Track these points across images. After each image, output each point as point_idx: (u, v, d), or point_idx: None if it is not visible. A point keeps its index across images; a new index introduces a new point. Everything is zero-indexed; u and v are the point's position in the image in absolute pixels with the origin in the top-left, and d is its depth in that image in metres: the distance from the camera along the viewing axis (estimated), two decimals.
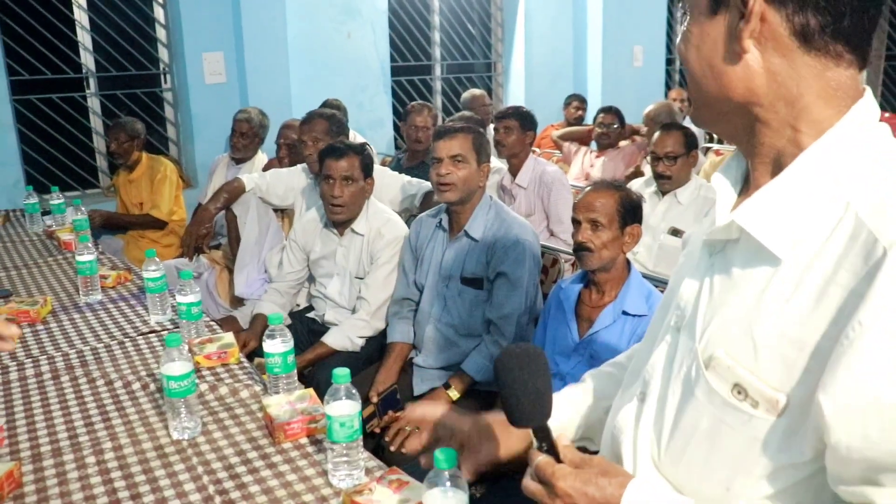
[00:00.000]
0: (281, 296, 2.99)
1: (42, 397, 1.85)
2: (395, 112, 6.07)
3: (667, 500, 0.89)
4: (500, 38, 7.02)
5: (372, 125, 5.84)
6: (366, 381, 2.51)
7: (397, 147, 5.95)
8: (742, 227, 0.84)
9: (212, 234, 3.25)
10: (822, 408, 0.73)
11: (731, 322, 0.85)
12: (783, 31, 0.80)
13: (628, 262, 2.16)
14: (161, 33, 5.13)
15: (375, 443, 2.36)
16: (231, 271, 3.42)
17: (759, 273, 0.83)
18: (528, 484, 0.95)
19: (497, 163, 4.21)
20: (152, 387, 1.88)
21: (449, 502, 1.08)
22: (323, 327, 2.85)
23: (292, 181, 3.36)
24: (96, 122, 5.02)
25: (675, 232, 3.19)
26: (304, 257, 2.99)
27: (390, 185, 3.30)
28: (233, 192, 3.26)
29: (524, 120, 4.04)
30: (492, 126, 4.38)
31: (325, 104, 4.72)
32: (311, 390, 1.72)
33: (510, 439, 1.20)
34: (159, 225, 4.31)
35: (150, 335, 2.25)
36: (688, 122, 4.15)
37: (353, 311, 2.79)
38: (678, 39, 0.92)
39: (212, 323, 2.37)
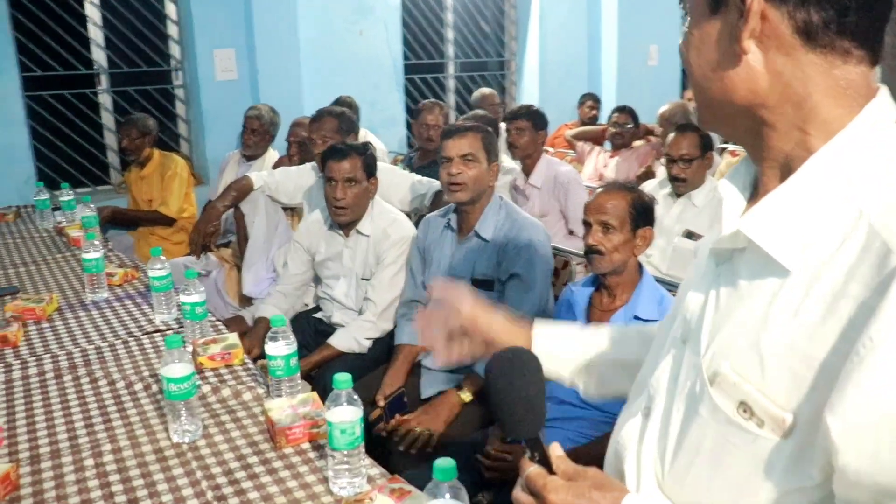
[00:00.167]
0: (285, 298, 2.96)
1: (44, 397, 1.83)
2: (408, 110, 6.03)
3: None
4: (513, 36, 6.97)
5: (384, 123, 5.81)
6: (373, 384, 2.48)
7: (410, 145, 5.91)
8: (748, 236, 0.80)
9: (219, 232, 3.22)
10: (829, 428, 0.69)
11: (737, 336, 0.80)
12: (785, 28, 0.76)
13: (640, 266, 2.11)
14: (172, 30, 5.11)
15: (382, 446, 2.32)
16: (240, 269, 3.40)
17: (767, 284, 0.79)
18: (519, 496, 0.91)
19: (509, 163, 4.18)
20: (154, 388, 1.85)
21: None
22: (330, 328, 2.82)
23: (301, 179, 3.33)
24: (108, 119, 5.01)
25: (690, 234, 3.14)
26: (308, 259, 2.95)
27: (400, 184, 3.26)
28: (241, 190, 3.23)
29: (536, 119, 4.00)
30: (503, 125, 4.35)
31: (338, 101, 4.69)
32: (313, 394, 1.69)
33: (508, 338, 1.22)
34: (168, 222, 4.29)
35: (154, 334, 2.23)
36: None
37: (360, 312, 2.76)
38: (680, 42, 0.88)
39: (217, 323, 2.34)
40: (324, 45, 5.48)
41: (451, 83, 6.68)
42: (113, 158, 5.09)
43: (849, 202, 0.74)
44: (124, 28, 4.93)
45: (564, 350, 1.25)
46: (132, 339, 2.19)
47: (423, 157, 4.29)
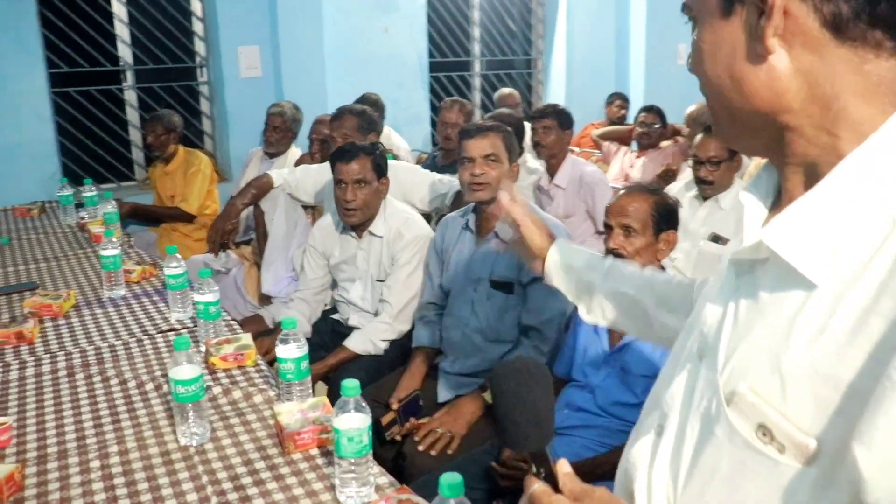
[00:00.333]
0: (307, 304, 2.93)
1: (55, 395, 1.82)
2: (433, 108, 6.00)
3: None
4: (540, 34, 6.90)
5: (408, 122, 5.78)
6: (389, 386, 2.45)
7: (434, 144, 5.88)
8: (771, 248, 0.74)
9: (237, 229, 3.21)
10: (857, 459, 0.63)
11: (757, 353, 0.74)
12: (812, 22, 0.70)
13: (664, 270, 2.05)
14: (198, 27, 5.12)
15: (396, 450, 2.29)
16: (260, 268, 3.39)
17: (790, 298, 0.73)
18: None
19: (533, 163, 4.12)
20: (165, 388, 1.83)
21: None
22: (348, 329, 2.79)
23: (322, 178, 3.30)
24: (133, 115, 5.03)
25: (716, 238, 3.06)
26: (324, 262, 2.92)
27: (420, 183, 3.22)
28: (261, 187, 3.21)
29: (562, 118, 3.94)
30: (527, 125, 4.29)
31: (363, 98, 4.67)
32: (324, 398, 1.65)
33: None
34: (188, 218, 4.29)
35: (168, 333, 2.21)
36: None
37: (377, 314, 2.73)
38: (688, 56, 0.82)
39: (232, 322, 2.32)
40: (348, 42, 5.46)
41: (476, 81, 6.62)
42: (137, 155, 5.11)
43: (881, 211, 0.68)
44: (150, 25, 4.95)
45: (573, 264, 1.38)
46: (146, 337, 2.18)
47: (446, 157, 4.24)
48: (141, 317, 2.35)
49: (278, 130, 4.21)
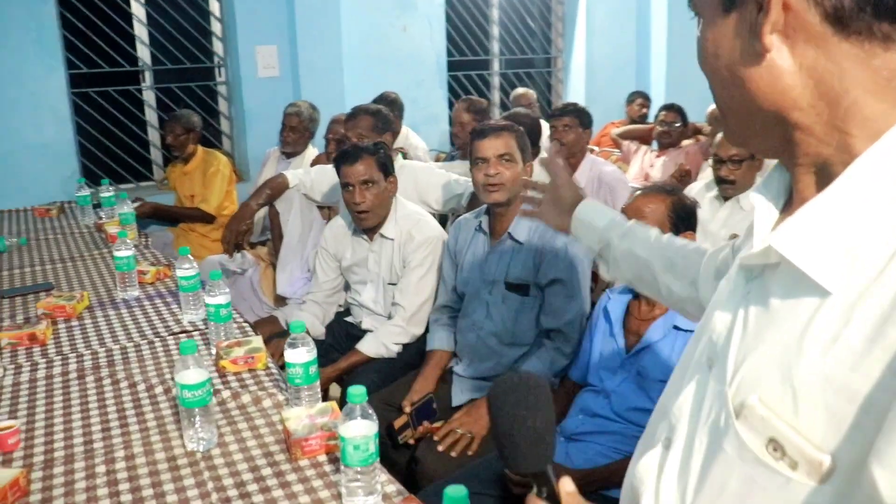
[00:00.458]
0: (320, 307, 2.90)
1: (65, 398, 1.81)
2: (452, 108, 5.95)
3: None
4: (560, 32, 6.84)
5: (427, 121, 5.75)
6: (402, 389, 2.41)
7: (452, 143, 5.84)
8: (781, 253, 0.70)
9: (252, 230, 3.19)
10: (876, 481, 0.58)
11: (767, 363, 0.70)
12: (812, 17, 0.66)
13: None
14: (216, 26, 5.13)
15: (409, 455, 2.25)
16: (276, 268, 3.37)
17: (802, 305, 0.68)
18: None
19: None
20: (175, 391, 1.81)
21: None
22: (361, 331, 2.76)
23: (337, 178, 3.28)
24: (151, 115, 5.05)
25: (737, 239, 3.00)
26: (336, 265, 2.89)
27: (436, 183, 3.19)
28: (276, 188, 3.20)
29: (582, 117, 3.90)
30: (543, 124, 4.25)
31: (382, 97, 4.65)
32: (332, 403, 1.62)
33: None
34: (208, 219, 4.29)
35: (180, 335, 2.20)
36: None
37: (390, 317, 2.69)
38: (697, 53, 0.78)
39: (245, 324, 2.30)
40: (366, 41, 5.44)
41: (495, 80, 6.58)
42: (156, 155, 5.13)
43: None
44: (168, 25, 4.96)
45: (596, 223, 1.43)
46: (158, 339, 2.16)
47: (464, 157, 4.21)
48: (154, 318, 2.34)
49: (295, 130, 4.20)
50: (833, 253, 0.66)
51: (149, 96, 5.03)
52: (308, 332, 2.74)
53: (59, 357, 2.05)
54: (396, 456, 2.28)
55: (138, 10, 4.88)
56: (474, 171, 2.36)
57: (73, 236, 3.49)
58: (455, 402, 2.38)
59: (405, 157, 4.21)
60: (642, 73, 6.95)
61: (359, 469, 1.30)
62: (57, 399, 1.80)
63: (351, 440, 1.28)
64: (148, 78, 5.00)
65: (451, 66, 6.14)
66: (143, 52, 4.95)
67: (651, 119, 5.88)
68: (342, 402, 1.45)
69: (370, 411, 1.31)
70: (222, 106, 5.27)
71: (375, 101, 4.50)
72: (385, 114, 3.25)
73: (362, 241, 2.79)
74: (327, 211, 3.40)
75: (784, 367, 0.68)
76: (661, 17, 6.73)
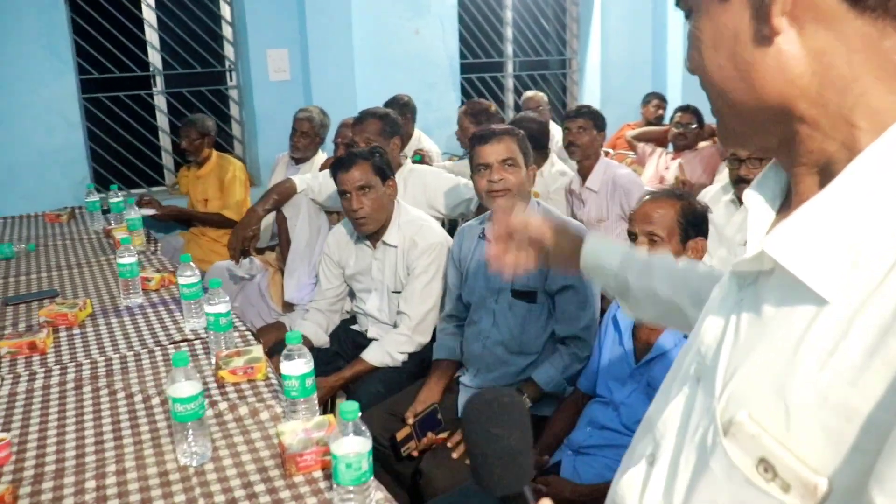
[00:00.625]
0: (324, 315, 2.86)
1: (60, 409, 1.78)
2: None
3: None
4: (575, 33, 6.77)
5: (440, 124, 5.70)
6: (408, 399, 2.36)
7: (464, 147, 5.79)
8: (775, 259, 0.64)
9: (258, 236, 3.15)
10: None
11: (759, 377, 0.65)
12: None
13: None
14: (227, 31, 5.11)
15: (414, 467, 2.20)
16: (284, 274, 3.34)
17: (797, 315, 0.63)
18: None
19: (560, 165, 4.02)
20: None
21: None
22: (368, 340, 2.71)
23: None
24: (162, 120, 5.04)
25: None
26: (340, 273, 2.85)
27: (444, 188, 3.14)
28: (283, 193, 3.16)
29: (597, 119, 3.82)
30: (553, 127, 4.19)
31: (394, 99, 4.61)
32: (329, 417, 1.57)
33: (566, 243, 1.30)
34: (229, 225, 4.26)
35: (181, 344, 2.16)
36: None
37: (396, 325, 2.64)
38: (687, 51, 0.73)
39: (247, 332, 2.26)
40: (378, 44, 5.41)
41: (509, 82, 6.52)
42: (167, 160, 5.11)
43: None
44: (180, 29, 4.95)
45: (607, 265, 1.29)
46: (158, 348, 2.13)
47: None
48: (156, 326, 2.31)
49: (306, 136, 4.16)
50: (831, 259, 0.61)
51: (160, 101, 5.02)
52: (310, 342, 2.75)
53: (58, 367, 2.02)
54: (401, 468, 2.23)
55: (149, 14, 4.87)
56: (476, 177, 2.30)
57: (82, 242, 3.47)
58: (462, 413, 2.33)
59: (420, 158, 4.18)
60: (658, 73, 6.87)
61: (351, 488, 1.25)
62: (52, 410, 1.77)
63: (343, 458, 1.23)
64: (159, 82, 4.99)
65: (464, 68, 6.09)
66: (154, 57, 4.94)
67: (667, 121, 5.80)
68: None
69: (363, 428, 1.26)
70: (233, 110, 5.25)
71: (387, 103, 4.47)
72: (393, 118, 3.20)
73: (365, 249, 2.74)
74: (336, 216, 3.36)
75: (777, 382, 0.63)
76: (677, 16, 6.64)
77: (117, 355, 2.09)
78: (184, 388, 1.48)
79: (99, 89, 4.77)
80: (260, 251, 3.78)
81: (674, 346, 1.88)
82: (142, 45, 4.88)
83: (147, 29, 4.89)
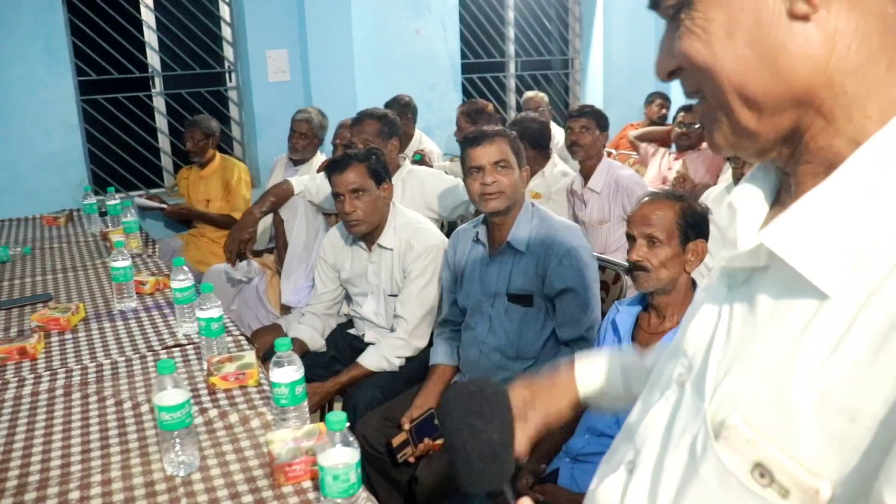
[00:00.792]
0: (320, 319, 2.82)
1: (48, 417, 1.74)
2: None
3: None
4: (577, 33, 6.73)
5: (441, 124, 5.66)
6: (405, 404, 2.32)
7: None
8: (773, 251, 0.61)
9: (254, 239, 3.11)
10: None
11: (754, 378, 0.62)
12: None
13: (694, 283, 1.89)
14: (226, 31, 5.08)
15: (410, 474, 2.17)
16: (281, 277, 3.31)
17: (796, 312, 0.60)
18: None
19: (562, 165, 3.98)
20: None
21: None
22: (365, 344, 2.67)
23: None
24: (161, 122, 5.01)
25: None
26: (335, 276, 2.81)
27: (443, 190, 3.10)
28: (280, 195, 3.12)
29: (600, 119, 3.79)
30: (554, 128, 4.15)
31: (395, 100, 4.58)
32: (320, 425, 1.53)
33: (553, 402, 1.06)
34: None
35: (174, 349, 2.13)
36: None
37: (392, 329, 2.60)
38: (679, 45, 0.66)
39: (240, 338, 2.22)
40: (379, 44, 5.37)
41: (511, 83, 6.48)
42: (166, 161, 5.08)
43: None
44: (178, 31, 4.92)
45: (602, 405, 1.13)
46: (150, 353, 2.10)
47: None
48: (149, 331, 2.28)
49: (304, 137, 4.12)
50: (833, 252, 0.58)
51: (159, 102, 4.99)
52: (307, 346, 2.71)
53: (48, 372, 1.99)
54: (397, 474, 2.20)
55: (148, 15, 4.84)
56: (469, 181, 2.26)
57: (78, 245, 3.44)
58: None
59: (421, 157, 4.15)
60: None
61: (339, 501, 1.21)
62: (40, 418, 1.74)
63: (330, 469, 1.20)
64: (158, 84, 4.96)
65: (466, 68, 6.05)
66: (153, 58, 4.90)
67: (671, 120, 5.75)
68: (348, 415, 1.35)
69: (351, 438, 1.22)
70: (233, 111, 5.22)
71: (388, 104, 4.43)
72: (391, 118, 3.16)
73: (361, 252, 2.71)
74: (334, 218, 3.32)
75: (774, 382, 0.60)
76: None
77: (108, 361, 2.05)
78: (170, 396, 1.44)
79: (97, 91, 4.73)
80: (258, 254, 3.75)
81: None
82: (140, 46, 4.85)
83: (145, 30, 4.85)
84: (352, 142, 3.14)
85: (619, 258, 2.62)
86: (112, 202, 3.65)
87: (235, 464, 1.50)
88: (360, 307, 2.73)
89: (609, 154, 4.31)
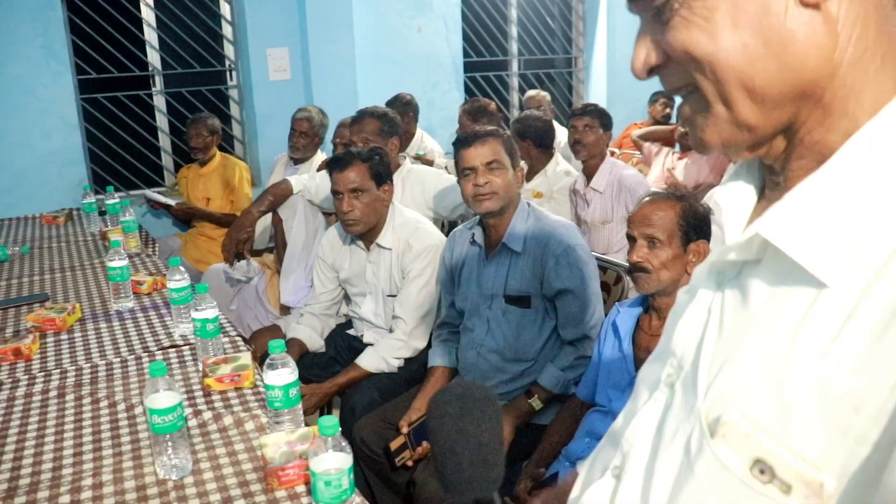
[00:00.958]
0: (318, 319, 2.80)
1: (41, 419, 1.73)
2: None
3: None
4: (581, 31, 6.70)
5: (443, 123, 5.64)
6: (404, 406, 2.30)
7: None
8: (770, 241, 0.59)
9: (253, 238, 3.09)
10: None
11: (750, 372, 0.60)
12: None
13: None
14: (227, 30, 5.06)
15: (408, 477, 2.14)
16: (280, 277, 3.28)
17: (793, 302, 0.58)
18: None
19: (565, 164, 3.95)
20: None
21: None
22: (364, 345, 2.65)
23: None
24: (162, 120, 4.99)
25: None
26: (334, 276, 2.78)
27: (443, 189, 3.08)
28: (279, 194, 3.10)
29: (604, 118, 3.76)
30: (557, 125, 4.12)
31: (397, 98, 4.55)
32: (313, 429, 1.51)
33: None
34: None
35: (170, 350, 2.11)
36: None
37: (392, 330, 2.58)
38: (674, 37, 0.63)
39: (237, 339, 2.20)
40: (380, 42, 5.35)
41: (514, 81, 6.45)
42: (167, 160, 5.06)
43: None
44: (179, 29, 4.90)
45: None
46: (146, 354, 2.07)
47: None
48: (145, 331, 2.26)
49: (305, 136, 4.09)
50: (830, 240, 0.56)
51: (159, 101, 4.97)
52: (305, 347, 2.69)
53: (42, 374, 1.97)
54: (395, 477, 2.17)
55: (148, 14, 4.82)
56: (463, 182, 2.23)
57: (77, 245, 3.43)
58: None
59: (421, 155, 4.12)
60: None
61: None
62: (33, 420, 1.72)
63: (322, 475, 1.17)
64: (158, 82, 4.94)
65: (468, 67, 6.02)
66: (153, 57, 4.88)
67: (675, 119, 5.72)
68: (343, 417, 1.33)
69: (344, 443, 1.19)
70: (234, 110, 5.20)
71: (389, 102, 4.41)
72: (391, 117, 3.14)
73: (359, 252, 2.68)
74: (333, 217, 3.30)
75: (771, 375, 0.58)
76: None
77: (103, 362, 2.03)
78: (162, 398, 1.42)
79: (97, 90, 4.71)
80: (257, 253, 3.73)
81: None
82: (140, 44, 4.83)
83: (146, 28, 4.83)
84: (351, 140, 3.11)
85: (622, 258, 2.59)
86: (111, 201, 3.63)
87: (229, 467, 1.48)
88: (358, 307, 2.70)
89: (612, 153, 4.28)
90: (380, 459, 2.19)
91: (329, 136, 4.13)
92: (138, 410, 1.74)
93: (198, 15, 4.96)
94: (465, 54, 5.93)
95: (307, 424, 1.57)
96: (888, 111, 0.57)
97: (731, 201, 0.69)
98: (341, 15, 5.00)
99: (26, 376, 1.95)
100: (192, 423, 1.65)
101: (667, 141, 5.29)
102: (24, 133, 4.33)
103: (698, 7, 0.60)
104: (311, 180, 3.17)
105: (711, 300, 0.68)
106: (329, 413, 2.67)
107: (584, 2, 6.60)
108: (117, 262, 2.43)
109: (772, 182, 0.68)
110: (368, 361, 2.49)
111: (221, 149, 4.44)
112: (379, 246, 2.60)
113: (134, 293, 2.52)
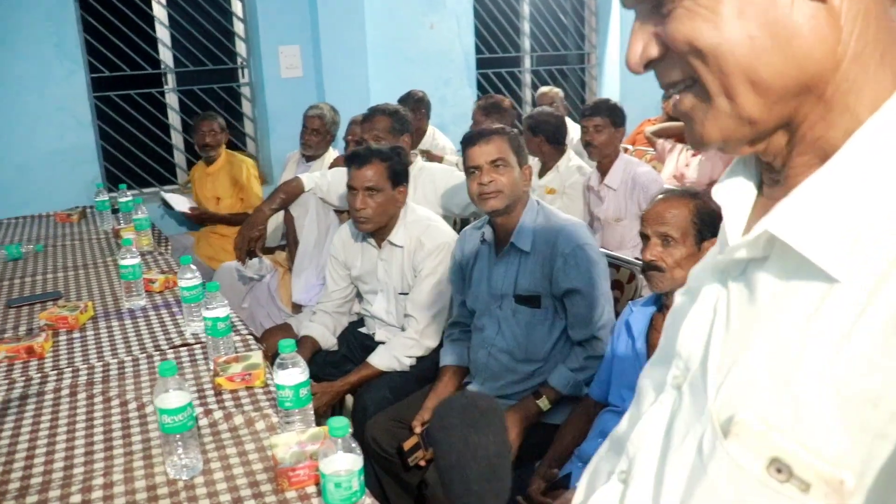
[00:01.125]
0: (331, 317, 2.79)
1: (53, 417, 1.73)
2: None
3: None
4: (593, 27, 6.66)
5: (456, 120, 5.62)
6: (416, 405, 2.29)
7: None
8: (780, 237, 0.58)
9: (264, 236, 3.09)
10: None
11: (761, 370, 0.59)
12: None
13: None
14: (238, 27, 5.06)
15: (420, 477, 2.13)
16: (292, 275, 3.28)
17: (803, 299, 0.57)
18: None
19: (577, 160, 3.93)
20: None
21: None
22: (376, 343, 2.64)
23: None
24: (174, 118, 4.99)
25: None
26: (346, 274, 2.77)
27: (455, 187, 3.06)
28: (290, 192, 3.09)
29: (615, 116, 3.72)
30: (570, 122, 4.09)
31: (409, 95, 4.54)
32: (324, 429, 1.50)
33: None
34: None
35: (181, 349, 2.11)
36: None
37: (404, 329, 2.57)
38: (677, 29, 0.61)
39: (248, 337, 2.19)
40: (392, 39, 5.33)
41: (527, 78, 6.42)
42: (179, 158, 5.07)
43: None
44: (191, 27, 4.90)
45: None
46: (157, 352, 2.07)
47: None
48: (157, 330, 2.26)
49: (317, 133, 4.09)
50: (839, 235, 0.56)
51: (171, 99, 4.97)
52: (318, 344, 2.68)
53: (55, 372, 1.97)
54: (407, 477, 2.16)
55: (160, 12, 4.83)
56: (469, 181, 2.22)
57: (91, 243, 3.44)
58: None
59: (427, 152, 4.11)
60: None
61: None
62: (45, 418, 1.72)
63: (332, 477, 1.16)
64: (171, 80, 4.94)
65: (481, 63, 5.99)
66: (166, 55, 4.89)
67: None
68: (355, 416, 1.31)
69: (354, 444, 1.18)
70: (246, 108, 5.20)
71: (401, 99, 4.40)
72: (403, 114, 3.12)
73: (371, 249, 2.67)
74: (345, 215, 3.29)
75: (783, 373, 0.57)
76: None
77: (115, 360, 2.04)
78: (172, 398, 1.42)
79: (110, 88, 4.72)
80: (269, 251, 3.73)
81: None
82: (153, 42, 4.84)
83: (158, 26, 4.84)
84: (363, 138, 3.10)
85: (635, 255, 2.57)
86: (124, 199, 3.64)
87: (239, 467, 1.48)
88: (370, 305, 2.70)
89: (626, 150, 4.25)
90: (391, 458, 2.19)
91: (341, 133, 4.11)
92: (149, 409, 1.73)
93: (210, 13, 4.96)
94: (478, 51, 5.91)
95: (318, 424, 1.56)
96: (889, 107, 0.56)
97: (731, 199, 0.68)
98: (353, 12, 4.99)
99: (39, 375, 1.96)
100: (203, 422, 1.65)
101: (680, 137, 5.24)
102: (37, 131, 4.35)
103: (687, 7, 0.60)
104: (322, 178, 3.16)
105: (716, 299, 0.67)
106: (341, 411, 2.67)
107: None
108: (129, 261, 2.43)
109: (770, 179, 0.67)
110: (380, 360, 2.48)
111: (233, 146, 4.44)
112: (391, 243, 2.59)
113: (146, 291, 2.52)
